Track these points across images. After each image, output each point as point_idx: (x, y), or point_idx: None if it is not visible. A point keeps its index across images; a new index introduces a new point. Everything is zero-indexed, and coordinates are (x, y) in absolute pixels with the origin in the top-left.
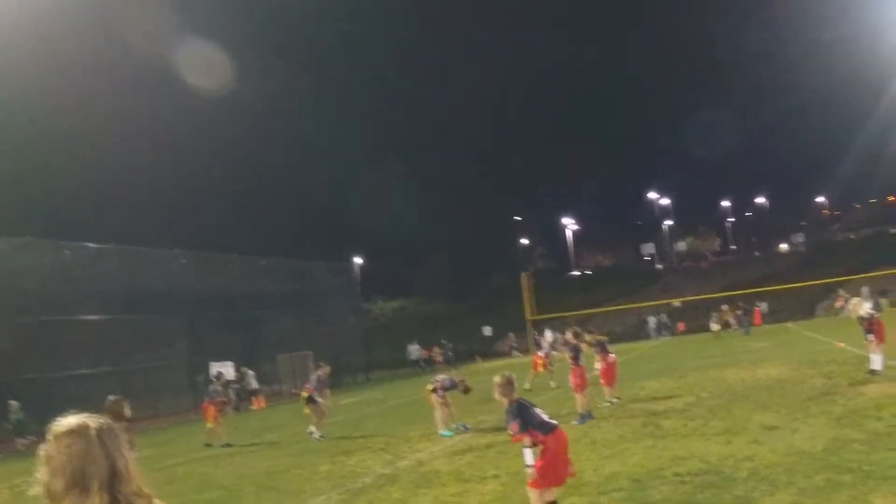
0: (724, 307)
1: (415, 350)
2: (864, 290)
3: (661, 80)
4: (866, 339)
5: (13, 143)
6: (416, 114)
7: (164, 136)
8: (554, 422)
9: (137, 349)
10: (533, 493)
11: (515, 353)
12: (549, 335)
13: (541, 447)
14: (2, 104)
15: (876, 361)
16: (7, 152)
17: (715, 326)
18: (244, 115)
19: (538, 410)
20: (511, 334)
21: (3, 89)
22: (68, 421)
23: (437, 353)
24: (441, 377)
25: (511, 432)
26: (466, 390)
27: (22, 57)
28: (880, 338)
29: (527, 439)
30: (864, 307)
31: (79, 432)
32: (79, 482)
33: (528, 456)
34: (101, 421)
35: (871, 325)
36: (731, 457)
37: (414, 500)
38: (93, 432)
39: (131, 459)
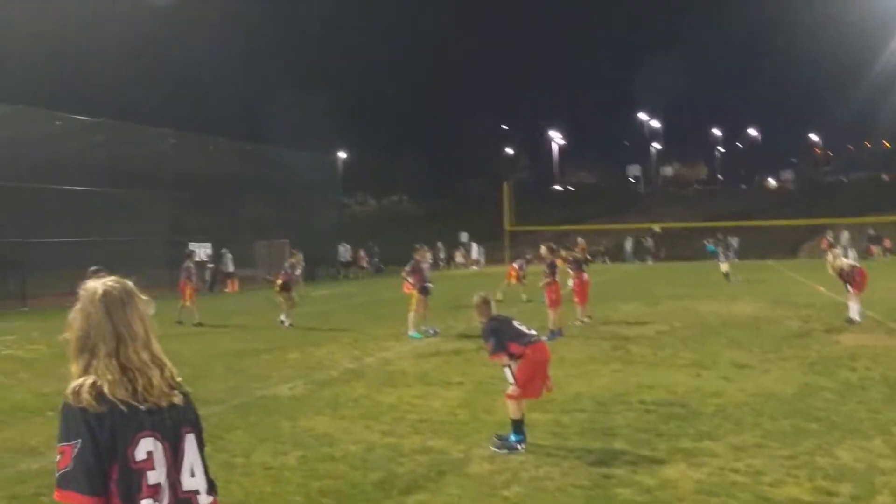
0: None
1: (345, 251)
2: (845, 234)
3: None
4: (847, 290)
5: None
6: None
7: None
8: (534, 332)
9: (120, 222)
10: (511, 404)
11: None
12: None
13: (519, 361)
14: None
15: (854, 310)
16: (10, 21)
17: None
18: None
19: (517, 323)
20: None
21: None
22: (88, 284)
23: (361, 258)
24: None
25: (488, 350)
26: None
27: None
28: (858, 288)
29: (504, 358)
30: (844, 262)
31: (88, 297)
32: (86, 346)
33: (508, 374)
34: (114, 286)
35: (850, 277)
36: (699, 391)
37: (378, 397)
38: (98, 297)
39: (146, 326)
